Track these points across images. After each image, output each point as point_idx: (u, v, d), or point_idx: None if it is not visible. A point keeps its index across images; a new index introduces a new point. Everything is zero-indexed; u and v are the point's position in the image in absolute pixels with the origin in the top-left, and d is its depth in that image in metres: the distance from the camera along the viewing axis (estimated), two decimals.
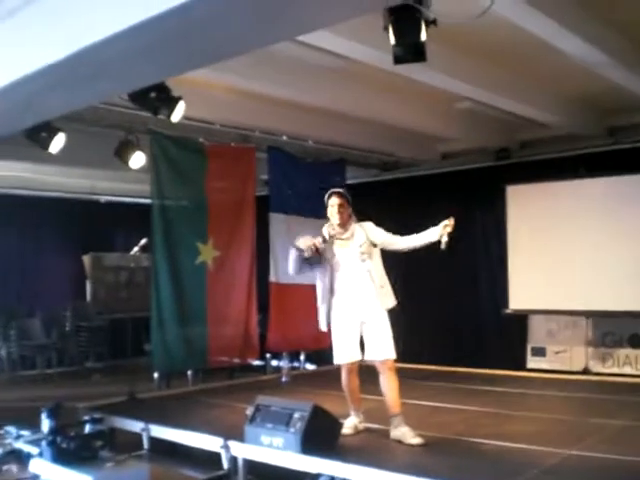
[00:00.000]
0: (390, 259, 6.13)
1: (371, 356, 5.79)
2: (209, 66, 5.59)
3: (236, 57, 5.07)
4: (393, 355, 5.77)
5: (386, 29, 4.40)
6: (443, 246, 5.71)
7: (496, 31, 6.10)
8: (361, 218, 6.10)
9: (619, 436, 5.87)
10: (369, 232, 6.01)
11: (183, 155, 9.03)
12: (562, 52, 6.43)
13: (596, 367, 9.72)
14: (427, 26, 4.33)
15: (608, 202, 9.28)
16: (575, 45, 6.21)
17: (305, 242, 5.84)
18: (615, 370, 9.57)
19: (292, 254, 5.89)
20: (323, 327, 5.99)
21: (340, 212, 5.95)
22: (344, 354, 5.92)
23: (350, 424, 6.00)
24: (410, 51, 4.51)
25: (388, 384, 5.75)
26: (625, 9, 5.88)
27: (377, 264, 5.94)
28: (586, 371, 9.68)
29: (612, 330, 9.73)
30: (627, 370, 9.49)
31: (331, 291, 5.90)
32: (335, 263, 5.91)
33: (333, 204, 6.00)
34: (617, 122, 9.47)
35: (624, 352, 9.61)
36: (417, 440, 5.54)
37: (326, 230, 6.00)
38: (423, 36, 4.38)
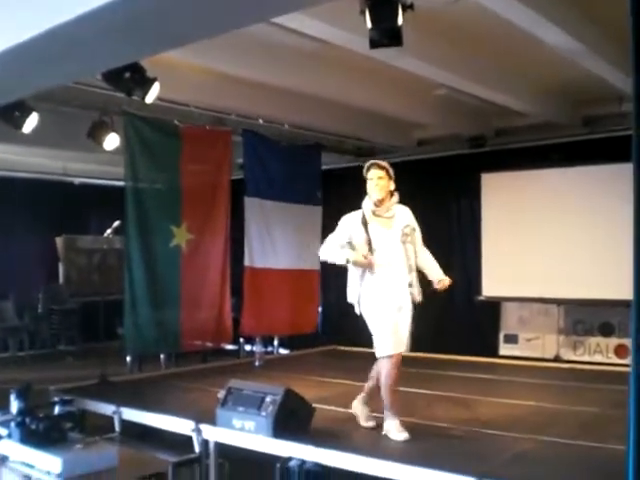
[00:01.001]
0: None
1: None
2: (185, 47, 5.53)
3: (212, 39, 5.02)
4: (406, 350, 5.44)
5: (362, 13, 4.38)
6: (434, 287, 5.64)
7: (474, 19, 6.10)
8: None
9: (590, 423, 5.97)
10: (411, 217, 5.60)
11: (157, 137, 8.96)
12: (540, 41, 6.43)
13: (567, 355, 9.83)
14: (404, 11, 4.33)
15: (582, 191, 9.34)
16: (553, 34, 6.21)
17: (355, 256, 5.31)
18: (586, 358, 9.68)
19: (335, 257, 5.41)
20: (353, 299, 5.46)
21: (380, 186, 5.41)
22: (395, 343, 5.32)
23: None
24: (386, 35, 4.50)
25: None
26: (603, 3, 5.89)
27: (413, 251, 5.52)
28: (557, 359, 9.79)
29: (583, 318, 9.82)
30: (598, 358, 9.59)
31: (367, 273, 5.37)
32: (373, 244, 5.38)
33: (372, 177, 5.44)
34: (592, 112, 9.49)
35: (595, 340, 9.72)
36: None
37: (367, 206, 5.51)
38: (399, 20, 4.37)
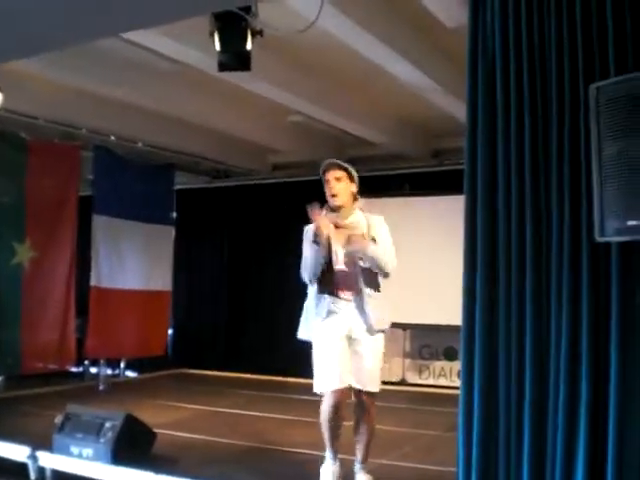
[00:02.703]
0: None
1: (356, 383, 4.55)
2: (35, 59, 5.35)
3: (65, 52, 4.89)
4: (377, 389, 4.63)
5: (212, 35, 4.37)
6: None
7: (330, 49, 6.23)
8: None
9: (431, 446, 6.12)
10: (374, 226, 4.76)
11: (2, 149, 8.56)
12: (393, 75, 6.64)
13: (413, 378, 10.09)
14: (253, 36, 4.35)
15: (429, 220, 9.63)
16: (405, 70, 6.44)
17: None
18: (431, 381, 9.98)
19: (312, 252, 4.62)
20: (303, 335, 4.73)
21: (337, 188, 4.65)
22: (332, 378, 4.46)
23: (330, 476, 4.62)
24: (235, 59, 4.50)
25: (368, 424, 4.66)
26: (455, 40, 6.14)
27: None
28: (403, 382, 10.02)
29: (429, 343, 10.12)
30: (442, 382, 9.89)
31: (322, 294, 4.64)
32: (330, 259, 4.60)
33: (329, 178, 4.66)
34: (441, 145, 9.89)
35: (440, 364, 10.03)
36: None
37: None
38: (249, 45, 4.39)
